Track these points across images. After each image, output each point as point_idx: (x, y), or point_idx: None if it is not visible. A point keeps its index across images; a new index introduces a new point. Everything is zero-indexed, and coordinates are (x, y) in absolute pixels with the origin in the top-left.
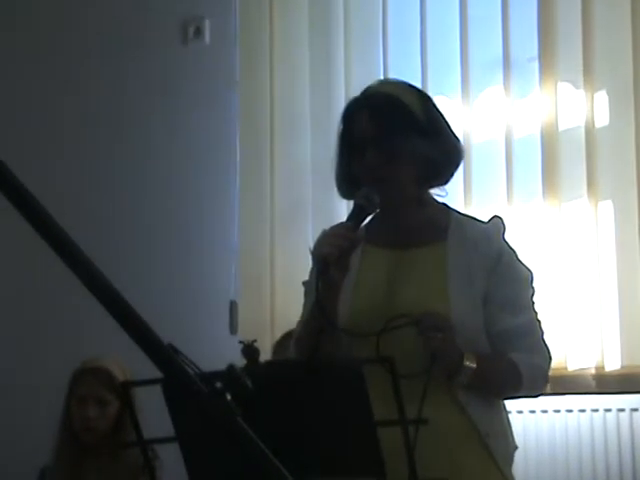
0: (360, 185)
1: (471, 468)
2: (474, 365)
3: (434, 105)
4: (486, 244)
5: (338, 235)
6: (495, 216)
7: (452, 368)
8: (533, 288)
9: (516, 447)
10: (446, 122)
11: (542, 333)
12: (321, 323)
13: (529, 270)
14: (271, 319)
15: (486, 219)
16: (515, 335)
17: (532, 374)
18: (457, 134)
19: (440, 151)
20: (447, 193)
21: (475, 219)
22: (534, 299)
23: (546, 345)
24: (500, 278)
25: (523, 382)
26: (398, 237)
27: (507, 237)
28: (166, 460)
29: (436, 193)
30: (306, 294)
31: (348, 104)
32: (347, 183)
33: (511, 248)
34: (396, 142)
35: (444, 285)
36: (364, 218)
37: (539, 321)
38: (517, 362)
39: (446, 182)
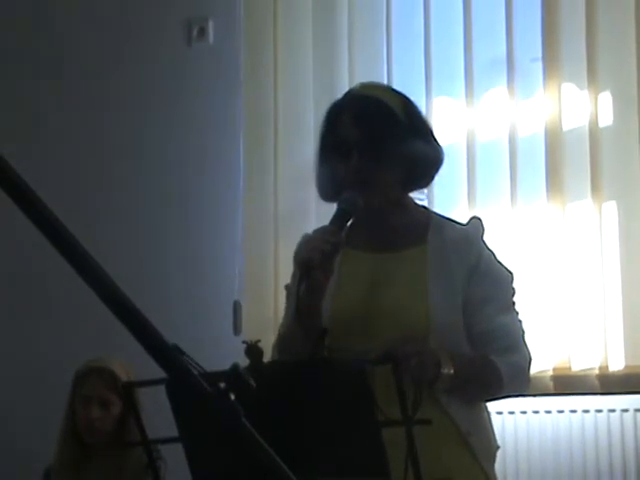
0: (343, 188)
1: (453, 466)
2: (452, 371)
3: (415, 107)
4: (466, 246)
5: (320, 239)
6: (474, 217)
7: (430, 377)
8: (513, 289)
9: (498, 447)
10: (427, 124)
11: (523, 333)
12: (303, 329)
13: (509, 271)
14: (275, 319)
15: (479, 221)
16: (495, 336)
17: (513, 375)
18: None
19: (422, 153)
20: (427, 196)
21: (454, 221)
22: (514, 299)
23: (526, 345)
24: (480, 280)
25: (504, 383)
26: (379, 240)
27: (486, 238)
28: (170, 460)
29: (416, 196)
30: (288, 297)
31: (330, 107)
32: (330, 186)
33: (490, 250)
34: (380, 144)
35: (424, 288)
36: (347, 221)
37: (520, 321)
38: (497, 363)
39: (427, 184)
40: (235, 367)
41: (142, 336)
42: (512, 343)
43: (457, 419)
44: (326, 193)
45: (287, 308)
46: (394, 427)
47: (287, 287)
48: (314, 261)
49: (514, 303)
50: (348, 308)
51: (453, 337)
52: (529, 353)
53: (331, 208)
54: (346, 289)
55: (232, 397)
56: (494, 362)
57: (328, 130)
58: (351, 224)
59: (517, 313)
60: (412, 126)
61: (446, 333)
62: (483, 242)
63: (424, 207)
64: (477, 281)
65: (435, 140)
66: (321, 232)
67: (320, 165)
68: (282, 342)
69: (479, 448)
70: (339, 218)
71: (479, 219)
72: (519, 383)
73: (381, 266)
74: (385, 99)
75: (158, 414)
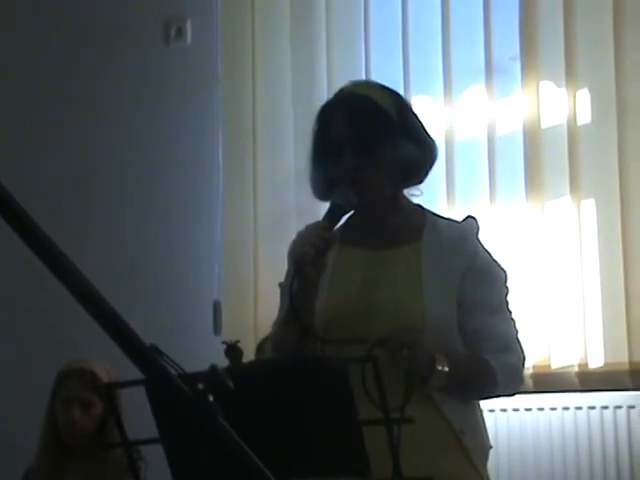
0: (336, 186)
1: (446, 465)
2: (446, 368)
3: (407, 105)
4: (461, 244)
5: (313, 235)
6: (469, 216)
7: (424, 373)
8: (507, 288)
9: (490, 446)
10: (419, 121)
11: (516, 332)
12: (297, 325)
13: (503, 270)
14: (254, 320)
15: (461, 219)
16: (489, 335)
17: (507, 374)
18: (433, 133)
19: (415, 151)
20: (422, 192)
21: (450, 219)
22: (508, 299)
23: (520, 344)
24: (474, 278)
25: (498, 382)
26: (374, 238)
27: (481, 237)
28: (151, 461)
29: (411, 193)
30: (282, 295)
31: (322, 106)
32: (323, 185)
33: (485, 248)
34: (372, 144)
35: (419, 286)
36: (340, 217)
37: (513, 320)
38: (491, 362)
39: (421, 181)
40: (213, 368)
41: (119, 337)
42: (506, 343)
43: (450, 418)
44: (319, 191)
45: (281, 306)
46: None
47: (281, 285)
48: (306, 257)
49: (508, 302)
50: (342, 305)
51: (447, 335)
52: (523, 353)
53: (312, 209)
54: (341, 286)
55: (210, 398)
56: (488, 361)
57: (320, 129)
58: (347, 222)
59: (511, 312)
60: (404, 124)
61: (440, 331)
62: (478, 240)
63: (419, 205)
64: (472, 279)
65: (428, 136)
66: (314, 228)
67: (313, 163)
68: (275, 340)
69: (472, 447)
70: (332, 213)
71: (474, 218)
72: (513, 383)
73: (376, 263)
74: (376, 97)
75: (139, 415)
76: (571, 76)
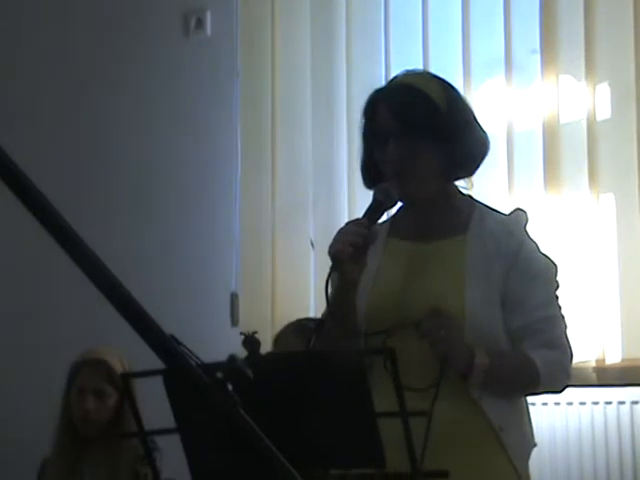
0: (381, 177)
1: (483, 462)
2: (486, 360)
3: (459, 96)
4: (506, 238)
5: (352, 232)
6: (517, 208)
7: (463, 368)
8: (557, 282)
9: (535, 444)
10: (472, 113)
11: (565, 328)
12: (333, 322)
13: (553, 263)
14: (272, 311)
15: (522, 212)
16: (534, 331)
17: (550, 370)
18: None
19: (463, 144)
20: (473, 185)
21: (497, 211)
22: (557, 293)
23: (568, 340)
24: (520, 273)
25: (541, 378)
26: (420, 230)
27: (529, 229)
28: (167, 451)
29: (461, 185)
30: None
31: (370, 94)
32: (370, 173)
33: (532, 241)
34: (417, 135)
35: (461, 279)
36: (382, 213)
37: (562, 316)
38: (534, 358)
39: (471, 174)
40: (232, 358)
41: (140, 326)
42: (552, 338)
43: (490, 414)
44: (366, 180)
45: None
46: (419, 417)
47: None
48: (344, 254)
49: (557, 297)
50: (383, 298)
51: (490, 331)
52: (570, 349)
53: (328, 201)
54: (383, 279)
55: (229, 387)
56: (531, 357)
57: (367, 118)
58: (396, 214)
59: (560, 307)
60: (453, 116)
61: (482, 326)
62: (526, 233)
63: (469, 197)
64: (517, 275)
65: (480, 128)
66: (353, 225)
67: (360, 151)
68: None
69: (511, 444)
70: (373, 210)
71: (523, 210)
72: (558, 380)
73: (420, 257)
74: (425, 87)
75: (153, 405)
76: (591, 70)
